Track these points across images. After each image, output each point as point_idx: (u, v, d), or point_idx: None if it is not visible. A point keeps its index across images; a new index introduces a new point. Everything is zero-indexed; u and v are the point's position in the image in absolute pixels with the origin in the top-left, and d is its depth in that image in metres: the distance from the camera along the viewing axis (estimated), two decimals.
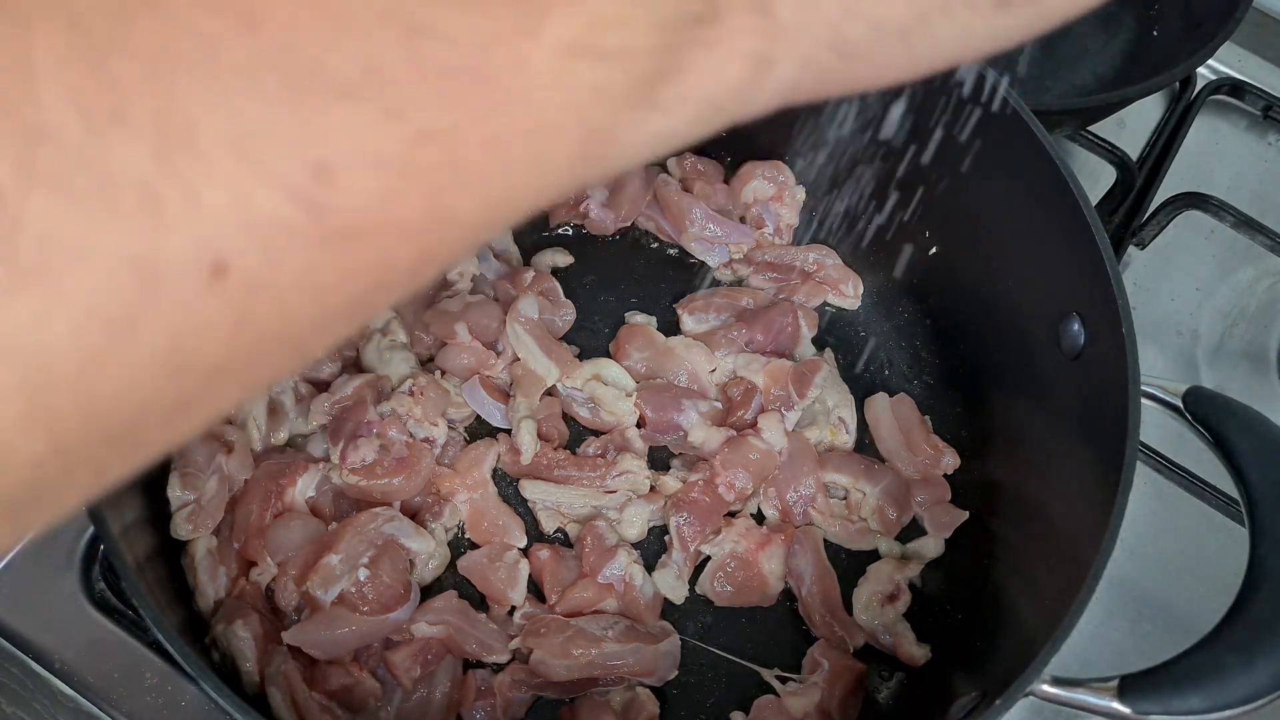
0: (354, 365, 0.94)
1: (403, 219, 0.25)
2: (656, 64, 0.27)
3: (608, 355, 0.99)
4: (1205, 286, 1.17)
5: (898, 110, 0.71)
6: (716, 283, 1.04)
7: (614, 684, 0.84)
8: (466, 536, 0.91)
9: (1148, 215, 1.17)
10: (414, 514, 0.89)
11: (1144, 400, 0.73)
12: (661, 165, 1.08)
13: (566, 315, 0.99)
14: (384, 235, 0.25)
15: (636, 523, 0.90)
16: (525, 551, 0.89)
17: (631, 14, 0.26)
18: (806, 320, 1.00)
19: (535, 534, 0.92)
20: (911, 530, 0.94)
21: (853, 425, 0.97)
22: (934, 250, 0.98)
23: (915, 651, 0.87)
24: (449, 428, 0.92)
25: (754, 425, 0.93)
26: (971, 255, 0.95)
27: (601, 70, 0.26)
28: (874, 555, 0.93)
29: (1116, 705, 0.64)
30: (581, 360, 0.97)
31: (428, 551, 0.86)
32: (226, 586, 0.81)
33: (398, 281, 0.27)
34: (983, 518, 0.92)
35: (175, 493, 0.81)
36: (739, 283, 1.05)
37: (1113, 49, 1.23)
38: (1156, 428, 0.87)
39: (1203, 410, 0.73)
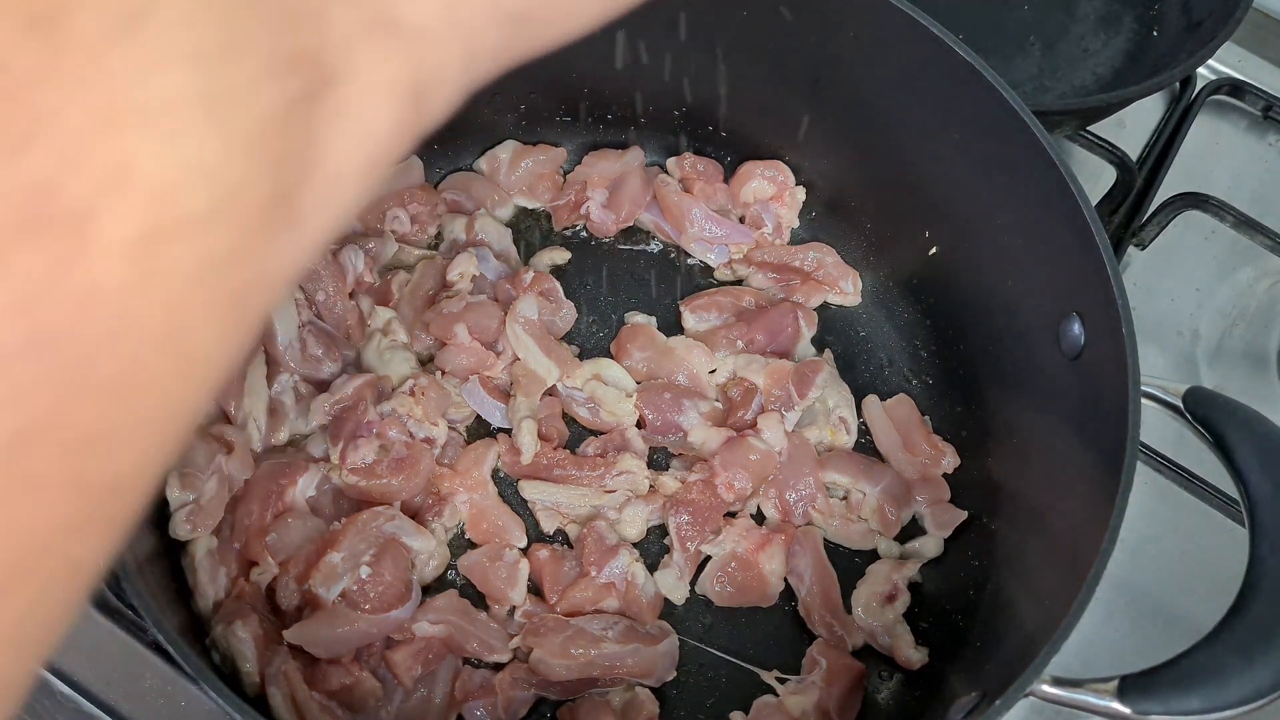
0: (354, 365, 0.94)
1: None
2: (274, 182, 0.21)
3: (608, 355, 0.99)
4: (1205, 286, 1.17)
5: None
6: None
7: (613, 684, 0.84)
8: (466, 536, 0.91)
9: (1148, 215, 1.17)
10: (414, 514, 0.89)
11: (1144, 400, 0.73)
12: (661, 165, 1.08)
13: (566, 315, 0.99)
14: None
15: (636, 523, 0.90)
16: (525, 551, 0.89)
17: (208, 151, 0.20)
18: (806, 320, 1.00)
19: (535, 534, 0.92)
20: (911, 530, 0.94)
21: (853, 425, 0.97)
22: (934, 250, 0.98)
23: (913, 655, 0.86)
24: (449, 428, 0.92)
25: (754, 425, 0.93)
26: (971, 255, 0.94)
27: (199, 242, 0.20)
28: (874, 555, 0.93)
29: (1116, 705, 0.64)
30: (581, 360, 0.97)
31: (428, 551, 0.86)
32: (226, 587, 0.81)
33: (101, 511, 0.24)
34: (983, 518, 0.92)
35: (175, 493, 0.80)
36: (739, 283, 1.05)
37: (1113, 49, 1.23)
38: (1156, 428, 0.87)
39: (1203, 410, 0.73)
